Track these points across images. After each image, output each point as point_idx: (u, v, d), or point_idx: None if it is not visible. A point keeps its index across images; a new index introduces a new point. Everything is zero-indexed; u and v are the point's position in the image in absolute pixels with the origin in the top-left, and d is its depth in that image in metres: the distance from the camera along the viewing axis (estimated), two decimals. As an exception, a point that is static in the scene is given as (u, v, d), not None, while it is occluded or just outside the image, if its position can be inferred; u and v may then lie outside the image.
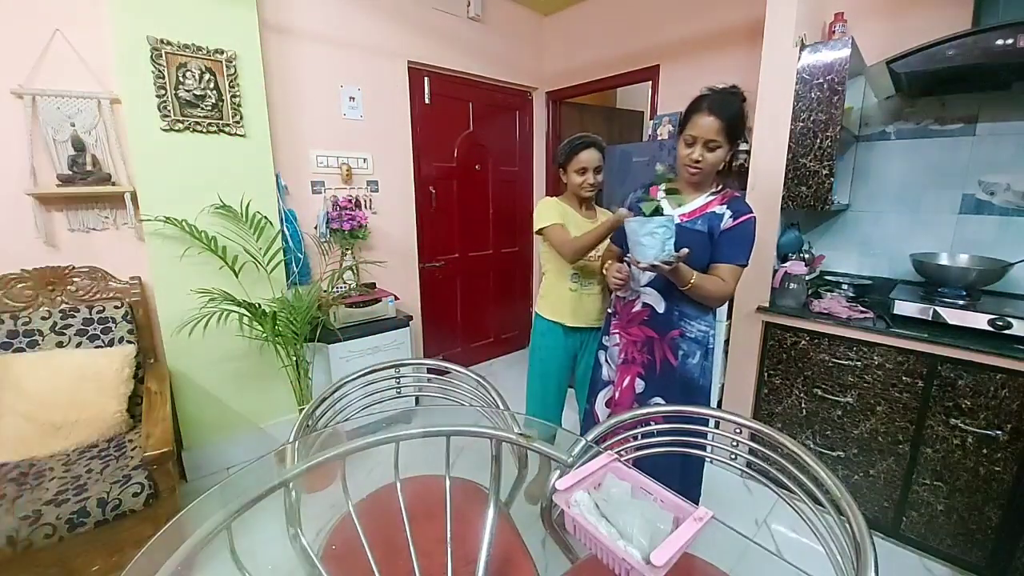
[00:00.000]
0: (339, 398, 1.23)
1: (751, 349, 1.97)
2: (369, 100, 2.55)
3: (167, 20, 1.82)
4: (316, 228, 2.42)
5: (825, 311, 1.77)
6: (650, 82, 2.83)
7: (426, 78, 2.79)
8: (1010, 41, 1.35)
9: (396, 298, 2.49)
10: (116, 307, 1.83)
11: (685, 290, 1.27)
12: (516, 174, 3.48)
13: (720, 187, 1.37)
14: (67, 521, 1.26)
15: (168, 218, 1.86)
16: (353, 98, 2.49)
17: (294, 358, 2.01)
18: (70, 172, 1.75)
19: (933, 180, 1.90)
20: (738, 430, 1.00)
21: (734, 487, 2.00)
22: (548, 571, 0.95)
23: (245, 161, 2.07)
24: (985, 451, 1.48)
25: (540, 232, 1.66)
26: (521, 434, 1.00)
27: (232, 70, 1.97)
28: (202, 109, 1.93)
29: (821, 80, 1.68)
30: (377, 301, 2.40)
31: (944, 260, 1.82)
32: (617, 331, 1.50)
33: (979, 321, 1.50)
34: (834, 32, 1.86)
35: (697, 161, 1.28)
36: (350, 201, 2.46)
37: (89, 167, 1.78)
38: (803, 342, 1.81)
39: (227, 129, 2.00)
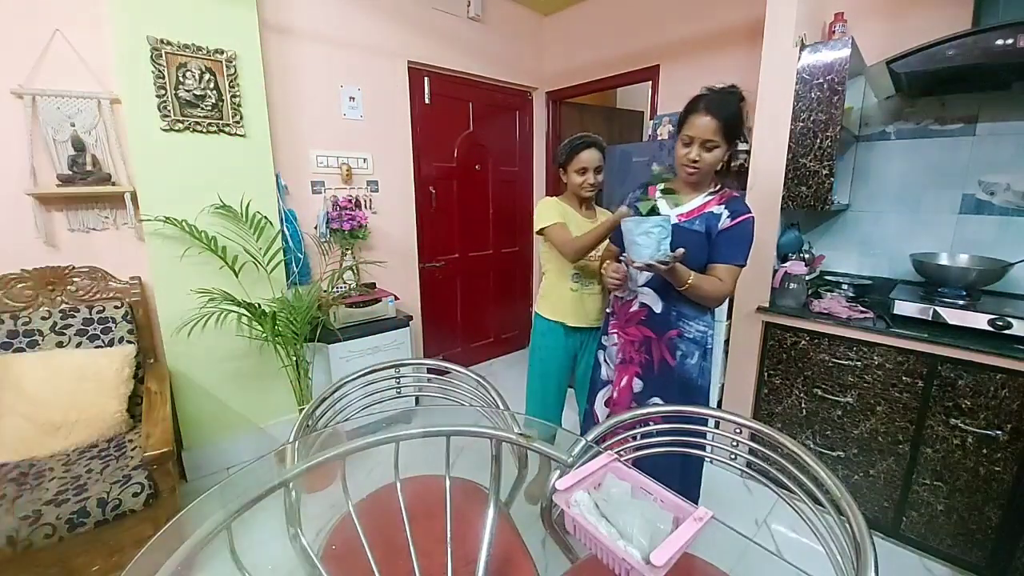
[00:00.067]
0: (339, 398, 1.23)
1: (751, 349, 1.97)
2: (369, 100, 2.55)
3: (167, 20, 1.82)
4: (316, 228, 2.42)
5: (825, 311, 1.77)
6: (650, 82, 2.83)
7: (426, 78, 2.79)
8: (1010, 41, 1.35)
9: (396, 298, 2.49)
10: (116, 307, 1.83)
11: (682, 290, 1.27)
12: (516, 174, 3.48)
13: (718, 187, 1.37)
14: (67, 521, 1.26)
15: (168, 218, 1.86)
16: (353, 98, 2.49)
17: (294, 358, 2.01)
18: (70, 172, 1.75)
19: (933, 180, 1.90)
20: (738, 430, 1.00)
21: (734, 487, 2.00)
22: (548, 571, 0.95)
23: (245, 161, 2.07)
24: (985, 451, 1.48)
25: (541, 232, 1.66)
26: (521, 434, 1.00)
27: (232, 70, 1.97)
28: (202, 109, 1.93)
29: (821, 80, 1.68)
30: (377, 301, 2.40)
31: (944, 260, 1.82)
32: (615, 331, 1.50)
33: (979, 321, 1.50)
34: (834, 32, 1.86)
35: (695, 161, 1.28)
36: (350, 201, 2.46)
37: (89, 167, 1.78)
38: (803, 342, 1.81)
39: (227, 129, 2.00)
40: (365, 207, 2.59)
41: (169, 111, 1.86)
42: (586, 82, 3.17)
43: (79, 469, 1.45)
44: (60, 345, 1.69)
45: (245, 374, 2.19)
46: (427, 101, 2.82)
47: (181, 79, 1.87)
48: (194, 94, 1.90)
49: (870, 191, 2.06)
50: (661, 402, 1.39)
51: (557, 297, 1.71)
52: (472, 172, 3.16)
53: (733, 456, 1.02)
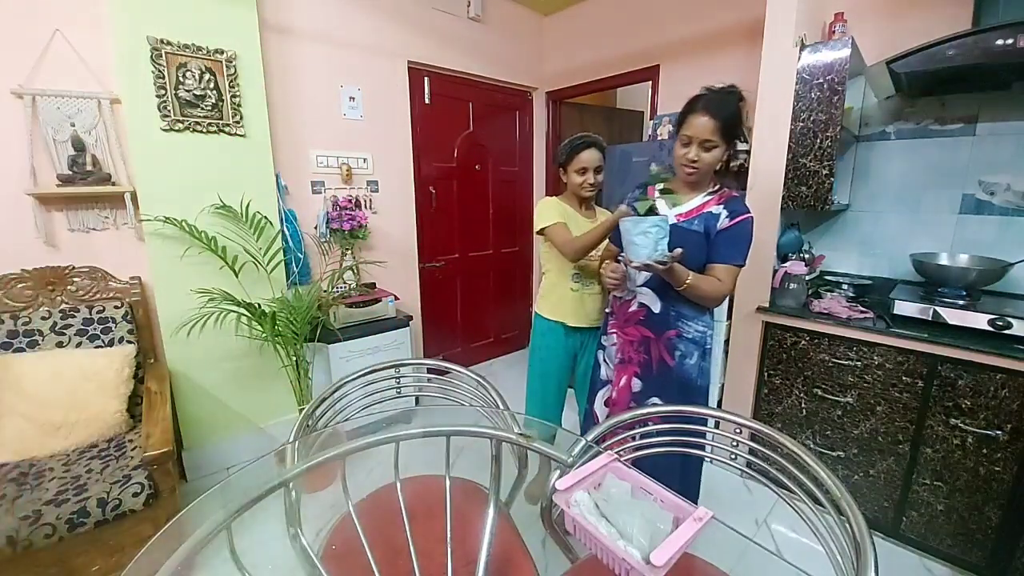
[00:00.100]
0: (339, 398, 1.23)
1: (751, 349, 1.97)
2: (369, 100, 2.55)
3: (167, 20, 1.82)
4: (316, 228, 2.42)
5: (825, 311, 1.77)
6: (650, 82, 2.83)
7: (426, 78, 2.79)
8: (1010, 41, 1.35)
9: (396, 298, 2.49)
10: (116, 307, 1.83)
11: (681, 290, 1.27)
12: (516, 174, 3.48)
13: (717, 187, 1.37)
14: (67, 521, 1.26)
15: (168, 218, 1.86)
16: (353, 98, 2.49)
17: (294, 358, 2.01)
18: (70, 172, 1.75)
19: (933, 180, 1.90)
20: (738, 430, 1.00)
21: (734, 487, 2.00)
22: (548, 571, 0.95)
23: (245, 161, 2.07)
24: (985, 451, 1.48)
25: (541, 232, 1.66)
26: (521, 434, 1.00)
27: (232, 70, 1.97)
28: (202, 109, 1.93)
29: (821, 80, 1.68)
30: (377, 301, 2.40)
31: (944, 260, 1.82)
32: (614, 331, 1.50)
33: (979, 321, 1.50)
34: (834, 32, 1.86)
35: (693, 161, 1.28)
36: (350, 201, 2.46)
37: (89, 167, 1.78)
38: (803, 342, 1.81)
39: (227, 129, 2.00)
40: (365, 207, 2.59)
41: (169, 111, 1.86)
42: (586, 82, 3.17)
43: (79, 469, 1.45)
44: (60, 345, 1.69)
45: (245, 374, 2.19)
46: (427, 101, 2.82)
47: (181, 79, 1.87)
48: (194, 94, 1.90)
49: (870, 191, 2.06)
50: (660, 402, 1.39)
51: (557, 297, 1.71)
52: (472, 172, 3.16)
53: (733, 456, 1.02)
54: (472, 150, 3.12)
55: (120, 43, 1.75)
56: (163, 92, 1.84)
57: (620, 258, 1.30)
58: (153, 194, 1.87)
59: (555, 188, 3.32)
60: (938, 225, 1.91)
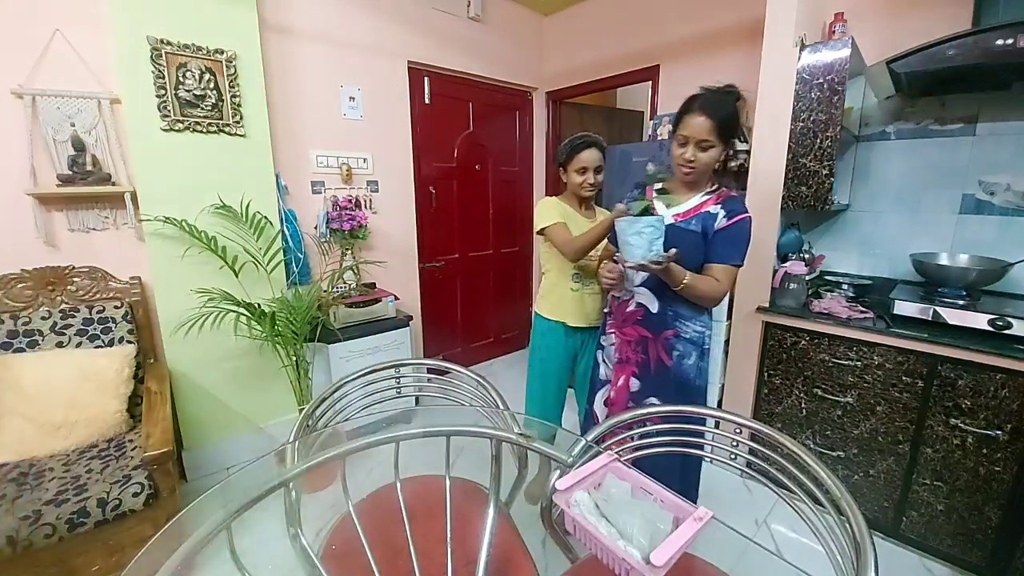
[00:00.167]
0: (339, 398, 1.23)
1: (751, 349, 1.97)
2: (369, 100, 2.55)
3: (167, 20, 1.82)
4: (316, 228, 2.42)
5: (825, 311, 1.77)
6: (650, 82, 2.83)
7: (426, 78, 2.79)
8: (1010, 41, 1.35)
9: (396, 298, 2.49)
10: (116, 307, 1.83)
11: (678, 290, 1.27)
12: (516, 174, 3.48)
13: (715, 187, 1.37)
14: (67, 521, 1.26)
15: (168, 218, 1.86)
16: (353, 98, 2.49)
17: (294, 358, 2.01)
18: (70, 172, 1.75)
19: (933, 180, 1.90)
20: (738, 430, 1.00)
21: (734, 487, 2.00)
22: (548, 571, 0.95)
23: (245, 161, 2.07)
24: (985, 451, 1.48)
25: (541, 232, 1.66)
26: (521, 434, 1.00)
27: (232, 70, 1.97)
28: (202, 109, 1.93)
29: (821, 80, 1.68)
30: (377, 301, 2.40)
31: (944, 260, 1.82)
32: (613, 331, 1.50)
33: (979, 321, 1.50)
34: (834, 32, 1.86)
35: (690, 161, 1.28)
36: (350, 201, 2.46)
37: (89, 167, 1.78)
38: (803, 342, 1.81)
39: (227, 129, 2.00)
40: (365, 207, 2.59)
41: (169, 111, 1.86)
42: (586, 82, 3.17)
43: (79, 469, 1.45)
44: (60, 345, 1.69)
45: (245, 374, 2.19)
46: (427, 101, 2.82)
47: (181, 79, 1.87)
48: (194, 94, 1.90)
49: (870, 191, 2.06)
50: (658, 402, 1.39)
51: (557, 297, 1.71)
52: (472, 172, 3.16)
53: (733, 456, 1.02)
54: (472, 150, 3.12)
55: (120, 43, 1.75)
56: (163, 92, 1.84)
57: (616, 258, 1.30)
58: (153, 194, 1.87)
59: (555, 188, 3.32)
60: (938, 225, 1.91)
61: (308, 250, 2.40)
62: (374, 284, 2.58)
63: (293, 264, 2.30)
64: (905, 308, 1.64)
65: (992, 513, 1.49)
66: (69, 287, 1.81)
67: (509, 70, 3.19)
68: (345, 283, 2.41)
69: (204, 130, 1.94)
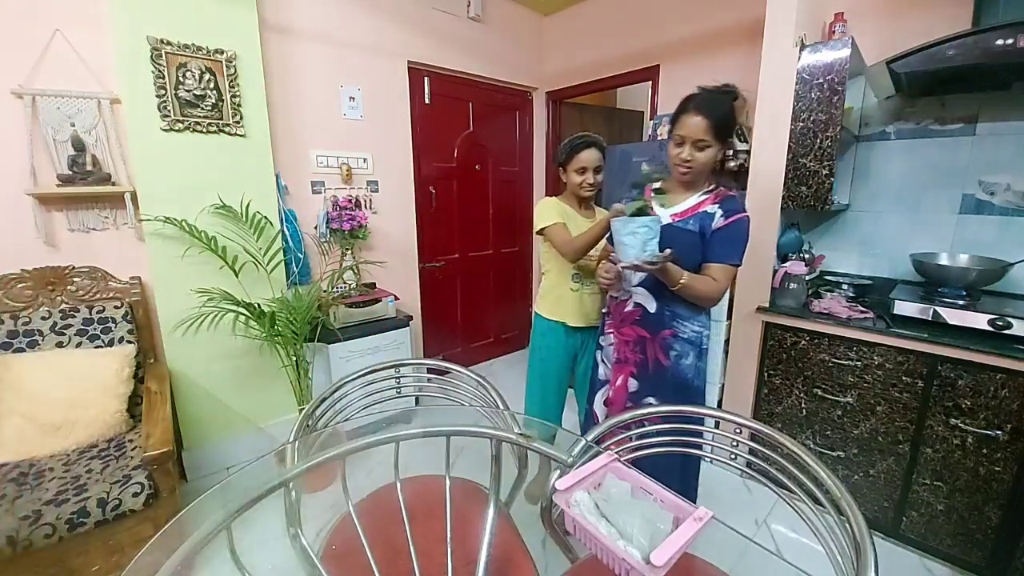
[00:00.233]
0: (339, 398, 1.23)
1: (751, 349, 1.97)
2: (369, 100, 2.55)
3: (167, 20, 1.82)
4: (316, 228, 2.42)
5: (825, 311, 1.77)
6: (650, 82, 2.83)
7: (426, 78, 2.79)
8: (1010, 41, 1.35)
9: (396, 298, 2.49)
10: (116, 307, 1.83)
11: (675, 290, 1.27)
12: (516, 174, 3.48)
13: (713, 186, 1.37)
14: (67, 521, 1.26)
15: (168, 218, 1.86)
16: (353, 98, 2.49)
17: (294, 358, 2.01)
18: (70, 172, 1.75)
19: (933, 180, 1.90)
20: (738, 430, 1.00)
21: (734, 487, 2.00)
22: (548, 571, 0.95)
23: (245, 161, 2.07)
24: (985, 451, 1.48)
25: (541, 232, 1.66)
26: (521, 434, 1.00)
27: (232, 70, 1.97)
28: (202, 109, 1.93)
29: (821, 80, 1.68)
30: (377, 301, 2.40)
31: (944, 260, 1.82)
32: (611, 331, 1.50)
33: (979, 321, 1.50)
34: (834, 32, 1.86)
35: (687, 160, 1.28)
36: (350, 201, 2.46)
37: (89, 167, 1.78)
38: (803, 342, 1.81)
39: (227, 129, 2.00)
40: (365, 207, 2.59)
41: (169, 111, 1.86)
42: (586, 82, 3.17)
43: (79, 469, 1.45)
44: (60, 345, 1.69)
45: (245, 374, 2.19)
46: (427, 101, 2.82)
47: (181, 79, 1.87)
48: (194, 94, 1.90)
49: (870, 191, 2.06)
50: (656, 402, 1.39)
51: (557, 297, 1.71)
52: (472, 172, 3.16)
53: (733, 456, 1.02)
54: (472, 150, 3.12)
55: (120, 43, 1.75)
56: (163, 92, 1.84)
57: (611, 258, 1.30)
58: (153, 194, 1.87)
59: (555, 188, 3.32)
60: (938, 225, 1.91)
61: (308, 250, 2.40)
62: (374, 284, 2.58)
63: (293, 264, 2.30)
64: (905, 308, 1.64)
65: (992, 513, 1.49)
66: (69, 287, 1.81)
67: (509, 70, 3.19)
68: (345, 283, 2.41)
69: (204, 130, 1.94)
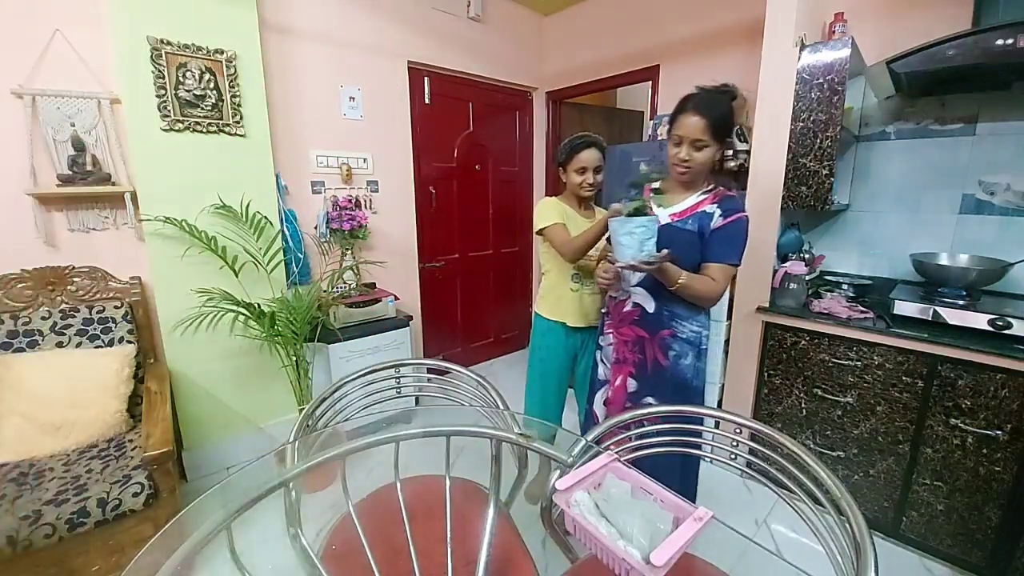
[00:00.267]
0: (339, 398, 1.23)
1: (751, 349, 1.97)
2: (369, 100, 2.55)
3: (167, 20, 1.82)
4: (316, 228, 2.42)
5: (825, 311, 1.77)
6: (650, 82, 2.83)
7: (426, 78, 2.79)
8: (1010, 41, 1.35)
9: (396, 298, 2.49)
10: (116, 307, 1.83)
11: (674, 290, 1.27)
12: (516, 174, 3.48)
13: (712, 186, 1.36)
14: (67, 521, 1.26)
15: (168, 218, 1.86)
16: (353, 98, 2.49)
17: (294, 358, 2.01)
18: (70, 172, 1.75)
19: (933, 180, 1.90)
20: (738, 430, 1.00)
21: (734, 487, 2.00)
22: (548, 571, 0.95)
23: (245, 161, 2.07)
24: (985, 451, 1.48)
25: (540, 232, 1.66)
26: (521, 434, 1.00)
27: (232, 70, 1.97)
28: (202, 109, 1.93)
29: (821, 80, 1.68)
30: (377, 301, 2.40)
31: (944, 260, 1.82)
32: (610, 331, 1.50)
33: (979, 321, 1.50)
34: (834, 32, 1.86)
35: (685, 160, 1.28)
36: (350, 201, 2.46)
37: (89, 167, 1.78)
38: (803, 342, 1.81)
39: (227, 129, 2.00)
40: (365, 207, 2.59)
41: (169, 111, 1.86)
42: (586, 82, 3.17)
43: (79, 469, 1.45)
44: (60, 345, 1.69)
45: (245, 374, 2.19)
46: (427, 101, 2.82)
47: (181, 79, 1.87)
48: (194, 94, 1.90)
49: (870, 191, 2.06)
50: (654, 402, 1.39)
51: (557, 297, 1.71)
52: (472, 172, 3.16)
53: (733, 456, 1.02)
54: (472, 150, 3.12)
55: (120, 43, 1.75)
56: (163, 92, 1.84)
57: (609, 257, 1.30)
58: (153, 194, 1.87)
59: (555, 188, 3.32)
60: (938, 225, 1.91)
61: (308, 250, 2.40)
62: (374, 284, 2.58)
63: (293, 264, 2.30)
64: (905, 308, 1.64)
65: (992, 513, 1.49)
66: (69, 287, 1.81)
67: (509, 70, 3.19)
68: (345, 283, 2.41)
69: (204, 130, 1.94)
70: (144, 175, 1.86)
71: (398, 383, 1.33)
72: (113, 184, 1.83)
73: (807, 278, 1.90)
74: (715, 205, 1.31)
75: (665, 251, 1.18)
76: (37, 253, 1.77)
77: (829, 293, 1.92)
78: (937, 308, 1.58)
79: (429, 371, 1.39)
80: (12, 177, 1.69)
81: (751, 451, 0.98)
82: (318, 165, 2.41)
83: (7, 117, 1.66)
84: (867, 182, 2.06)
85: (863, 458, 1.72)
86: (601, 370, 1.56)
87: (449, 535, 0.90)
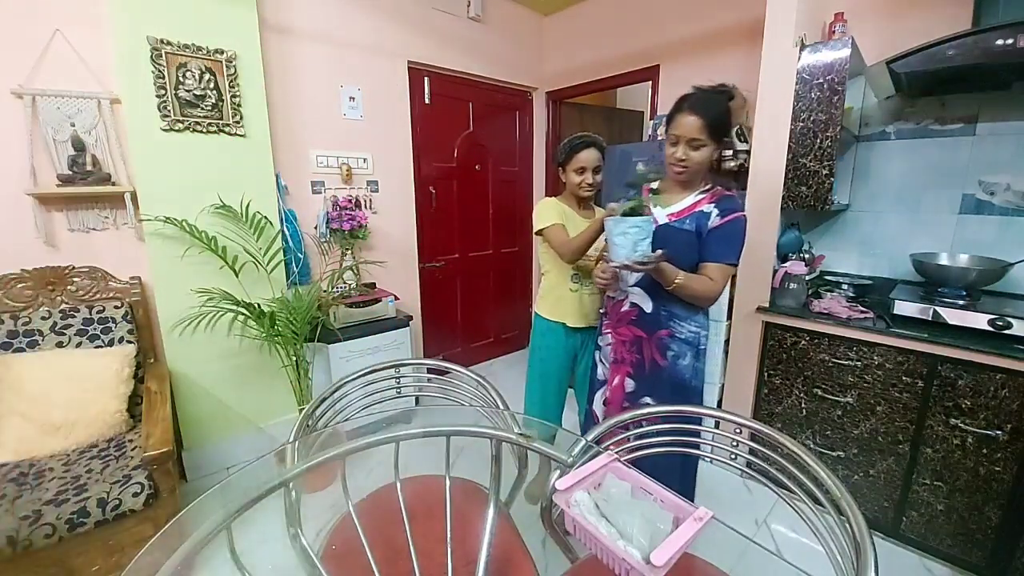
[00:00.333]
0: (339, 398, 1.23)
1: (751, 349, 1.97)
2: (369, 100, 2.55)
3: (167, 20, 1.82)
4: (316, 228, 2.42)
5: (825, 311, 1.77)
6: (650, 82, 2.83)
7: (426, 78, 2.79)
8: (1010, 41, 1.35)
9: (396, 298, 2.49)
10: (116, 307, 1.83)
11: (671, 290, 1.27)
12: (516, 174, 3.48)
13: (710, 186, 1.36)
14: (67, 521, 1.26)
15: (168, 218, 1.86)
16: (353, 98, 2.49)
17: (294, 358, 2.01)
18: (70, 172, 1.75)
19: (933, 180, 1.90)
20: (738, 430, 1.00)
21: (734, 487, 2.00)
22: (548, 571, 0.95)
23: (245, 161, 2.07)
24: (985, 451, 1.48)
25: (540, 233, 1.66)
26: (521, 434, 1.00)
27: (232, 70, 1.97)
28: (202, 109, 1.93)
29: (821, 80, 1.68)
30: (377, 301, 2.40)
31: (944, 260, 1.82)
32: (608, 331, 1.50)
33: (979, 321, 1.50)
34: (834, 32, 1.86)
35: (682, 160, 1.28)
36: (350, 201, 2.46)
37: (89, 167, 1.78)
38: (803, 342, 1.81)
39: (227, 129, 2.00)
40: (365, 207, 2.59)
41: (169, 111, 1.86)
42: (586, 82, 3.17)
43: (79, 469, 1.45)
44: (60, 345, 1.69)
45: (245, 374, 2.19)
46: (427, 101, 2.82)
47: (181, 79, 1.87)
48: (194, 94, 1.90)
49: (870, 191, 2.06)
50: (652, 402, 1.39)
51: (557, 297, 1.71)
52: (472, 172, 3.16)
53: (733, 456, 1.02)
54: (472, 150, 3.12)
55: (120, 43, 1.75)
56: (163, 92, 1.83)
57: (604, 257, 1.30)
58: (153, 194, 1.87)
59: (555, 188, 3.32)
60: (938, 225, 1.91)
61: (308, 250, 2.40)
62: (374, 284, 2.58)
63: (293, 264, 2.30)
64: (905, 308, 1.64)
65: (992, 513, 1.49)
66: (69, 287, 1.81)
67: (509, 70, 3.19)
68: (345, 283, 2.41)
69: (204, 130, 1.94)
70: (144, 175, 1.86)
71: (398, 383, 1.33)
72: (113, 184, 1.83)
73: (807, 278, 1.90)
74: (713, 205, 1.31)
75: (660, 251, 1.18)
76: (37, 253, 1.77)
77: (829, 293, 1.92)
78: (937, 308, 1.58)
79: (429, 371, 1.39)
80: (12, 177, 1.69)
81: (751, 451, 0.98)
82: (318, 165, 2.41)
83: (7, 117, 1.66)
84: (867, 182, 2.06)
85: (863, 458, 1.72)
86: (600, 370, 1.56)
87: (449, 535, 0.90)
